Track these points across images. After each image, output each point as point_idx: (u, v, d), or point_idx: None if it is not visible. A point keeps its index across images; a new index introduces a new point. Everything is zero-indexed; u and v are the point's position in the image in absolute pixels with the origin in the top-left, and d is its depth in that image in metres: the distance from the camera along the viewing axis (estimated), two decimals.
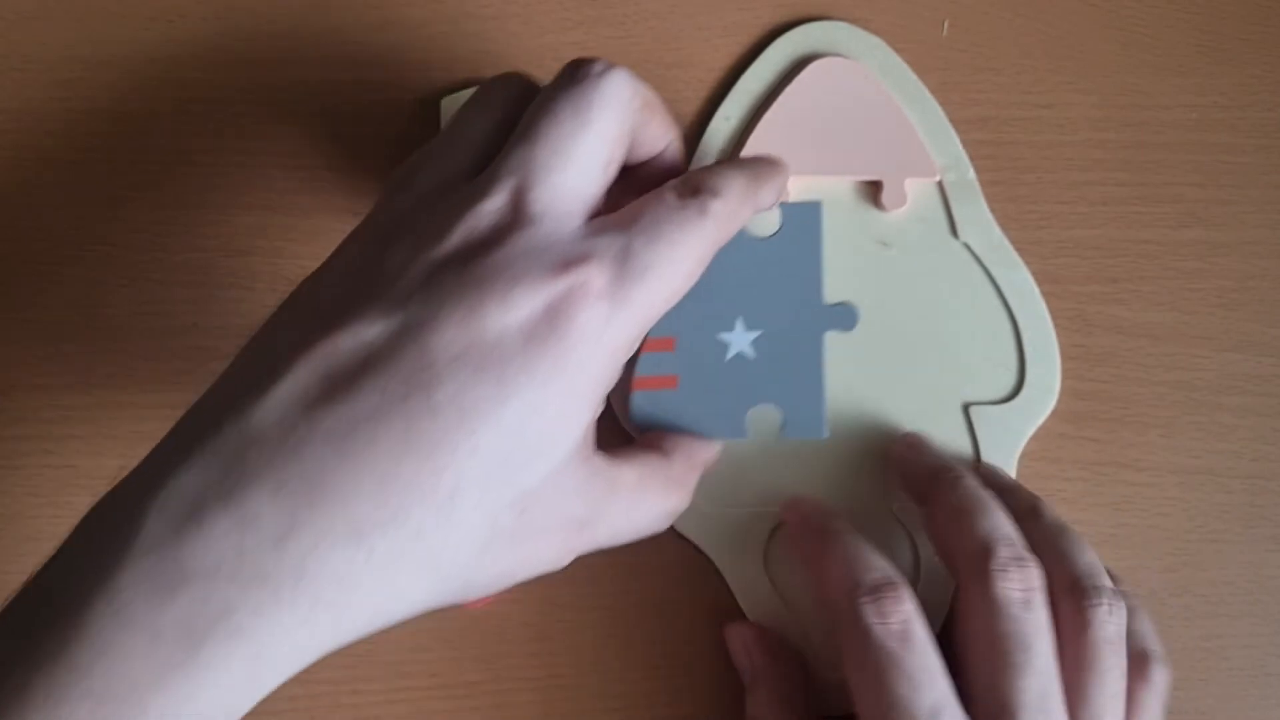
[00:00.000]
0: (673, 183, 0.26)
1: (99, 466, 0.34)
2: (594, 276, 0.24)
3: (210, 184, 0.35)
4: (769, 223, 0.31)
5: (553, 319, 0.23)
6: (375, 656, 0.34)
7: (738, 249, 0.29)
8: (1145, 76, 0.37)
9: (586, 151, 0.25)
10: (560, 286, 0.23)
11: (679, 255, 0.25)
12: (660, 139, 0.28)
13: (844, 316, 0.32)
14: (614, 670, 0.34)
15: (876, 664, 0.28)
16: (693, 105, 0.36)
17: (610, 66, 0.26)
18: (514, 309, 0.23)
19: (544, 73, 0.28)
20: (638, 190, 0.27)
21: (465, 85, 0.35)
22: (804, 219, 0.31)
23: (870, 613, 0.29)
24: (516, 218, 0.24)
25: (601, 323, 0.24)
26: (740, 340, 0.31)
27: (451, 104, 0.35)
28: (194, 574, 0.21)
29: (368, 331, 0.23)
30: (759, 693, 0.33)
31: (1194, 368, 0.36)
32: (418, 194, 0.26)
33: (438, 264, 0.24)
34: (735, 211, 0.27)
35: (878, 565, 0.30)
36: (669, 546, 0.34)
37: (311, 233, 0.35)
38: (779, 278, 0.31)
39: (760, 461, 0.34)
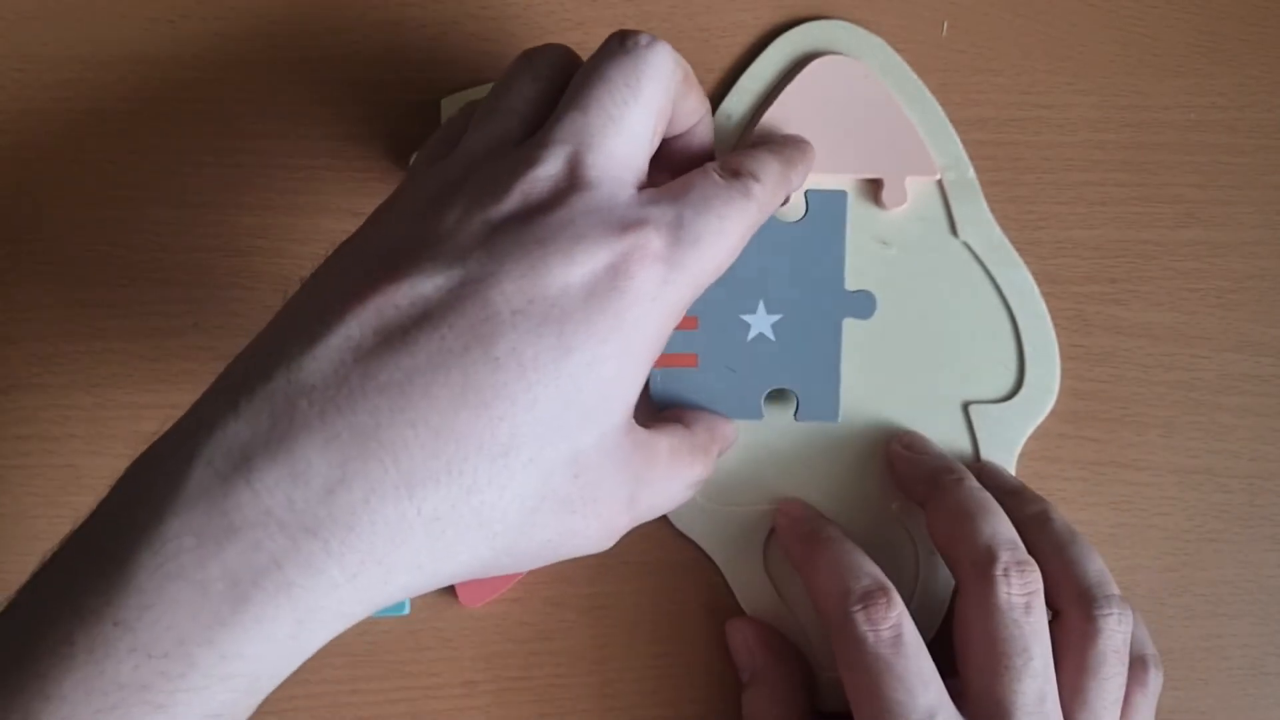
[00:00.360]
0: (713, 164, 0.27)
1: (99, 466, 0.34)
2: (652, 239, 0.24)
3: (210, 184, 0.35)
4: (794, 209, 0.32)
5: (614, 277, 0.24)
6: (375, 656, 0.34)
7: (763, 233, 0.30)
8: (1144, 77, 0.37)
9: (637, 121, 0.26)
10: (621, 247, 0.24)
11: (726, 229, 0.26)
12: (694, 114, 0.29)
13: (863, 304, 0.33)
14: (614, 670, 0.34)
15: (870, 670, 0.28)
16: None
17: (655, 39, 0.26)
18: (577, 266, 0.23)
19: None
20: (670, 163, 0.28)
21: (465, 85, 0.35)
22: (829, 207, 0.32)
23: (861, 620, 0.29)
24: (574, 182, 0.24)
25: (659, 283, 0.24)
26: (761, 323, 0.32)
27: (451, 104, 0.35)
28: (242, 526, 0.21)
29: (425, 285, 0.23)
30: (759, 690, 0.33)
31: (1193, 368, 0.36)
32: (467, 157, 0.26)
33: (496, 223, 0.24)
34: (773, 195, 0.28)
35: (867, 572, 0.30)
36: (669, 544, 0.34)
37: (311, 233, 0.35)
38: (802, 263, 0.32)
39: (760, 459, 0.34)
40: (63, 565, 0.22)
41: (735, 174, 0.27)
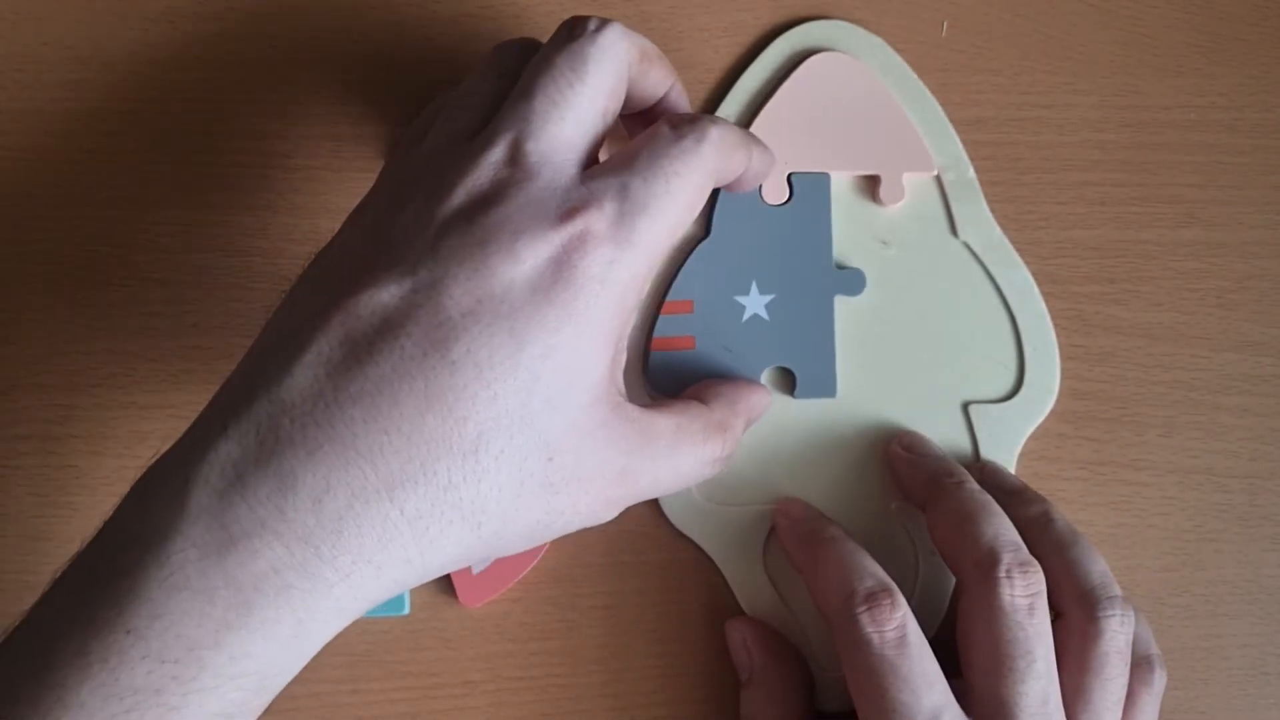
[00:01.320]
0: (666, 118, 0.27)
1: (99, 466, 0.34)
2: (594, 221, 0.24)
3: (210, 184, 0.35)
4: (780, 193, 0.33)
5: (558, 268, 0.24)
6: (375, 656, 0.34)
7: (752, 217, 0.30)
8: (1144, 77, 0.37)
9: (582, 103, 0.26)
10: (563, 235, 0.24)
11: (676, 187, 0.26)
12: (661, 85, 0.29)
13: (852, 281, 0.34)
14: (614, 670, 0.34)
15: (875, 671, 0.28)
16: (693, 104, 0.36)
17: (605, 22, 0.27)
18: (520, 262, 0.24)
19: None
20: None
21: None
22: (813, 188, 0.33)
23: (866, 621, 0.29)
24: (515, 171, 0.25)
25: (605, 264, 0.24)
26: (755, 303, 0.33)
27: None
28: (240, 537, 0.22)
29: (381, 295, 0.23)
30: (757, 691, 0.33)
31: (1192, 368, 0.36)
32: (425, 153, 0.27)
33: (443, 223, 0.24)
34: (733, 146, 0.27)
35: (871, 572, 0.30)
36: (669, 545, 0.34)
37: (311, 233, 0.35)
38: (791, 244, 0.33)
39: (760, 459, 0.34)
40: (73, 582, 0.22)
41: (691, 121, 0.27)
